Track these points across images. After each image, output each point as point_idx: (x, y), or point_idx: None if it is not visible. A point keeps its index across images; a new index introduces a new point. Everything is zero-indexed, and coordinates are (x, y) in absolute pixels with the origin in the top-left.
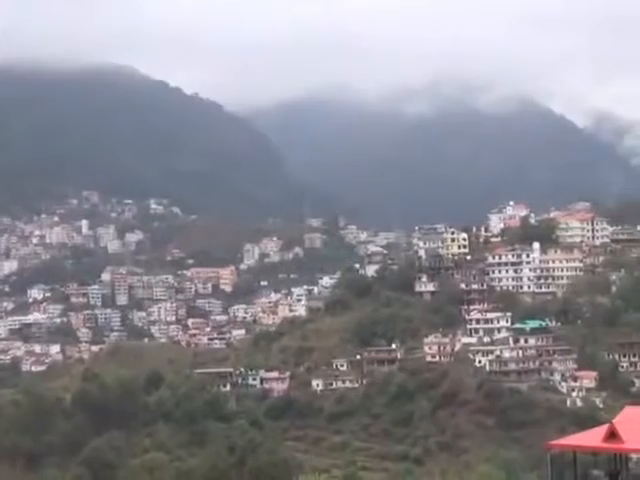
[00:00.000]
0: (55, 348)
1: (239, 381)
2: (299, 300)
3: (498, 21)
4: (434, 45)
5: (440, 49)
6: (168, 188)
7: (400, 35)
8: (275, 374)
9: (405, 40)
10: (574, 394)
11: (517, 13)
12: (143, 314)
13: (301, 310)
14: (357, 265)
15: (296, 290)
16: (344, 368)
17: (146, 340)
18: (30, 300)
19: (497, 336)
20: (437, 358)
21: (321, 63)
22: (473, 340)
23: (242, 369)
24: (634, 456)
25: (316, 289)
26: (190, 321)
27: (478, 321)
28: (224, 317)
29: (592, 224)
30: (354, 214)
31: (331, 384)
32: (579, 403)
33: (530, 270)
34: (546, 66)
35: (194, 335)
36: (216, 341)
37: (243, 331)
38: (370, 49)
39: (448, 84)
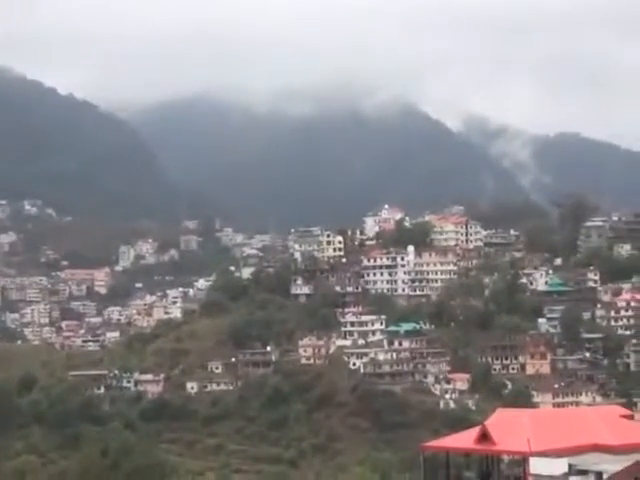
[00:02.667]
0: None
1: (113, 383)
2: (174, 302)
3: (383, 25)
4: (320, 48)
5: (326, 52)
6: (42, 189)
7: (287, 37)
8: (149, 376)
9: (292, 42)
10: (447, 396)
11: (401, 17)
12: (16, 316)
13: (176, 312)
14: (233, 267)
15: (171, 292)
16: (219, 371)
17: (19, 342)
18: None
19: (371, 338)
20: (312, 360)
21: (204, 64)
22: (348, 342)
23: (116, 371)
24: (506, 458)
25: (191, 291)
26: (64, 323)
27: (353, 324)
28: (98, 319)
29: (466, 228)
30: (230, 216)
31: (206, 387)
32: (452, 405)
33: (404, 273)
34: (424, 70)
35: (68, 337)
36: (90, 343)
37: (117, 333)
38: (256, 50)
39: (331, 87)
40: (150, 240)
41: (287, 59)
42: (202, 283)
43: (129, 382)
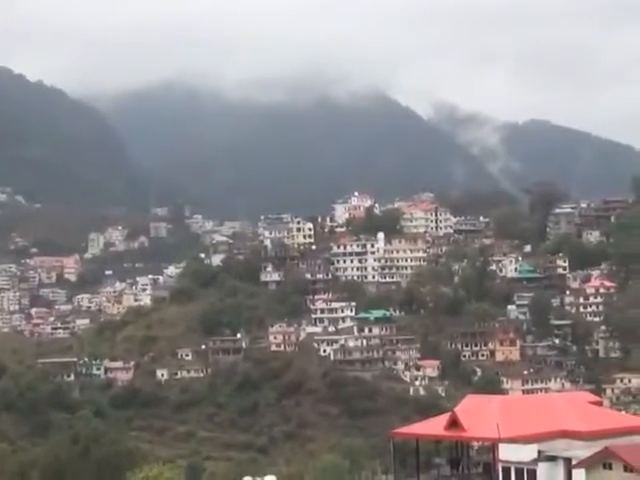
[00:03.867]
0: None
1: (83, 371)
2: (144, 289)
3: (358, 15)
4: (293, 37)
5: (299, 41)
6: (11, 176)
7: (261, 26)
8: (119, 364)
9: (265, 32)
10: (417, 383)
11: (376, 7)
12: None
13: (146, 299)
14: (202, 255)
15: (141, 279)
16: (189, 358)
17: None
18: None
19: (342, 325)
20: (282, 347)
21: (177, 53)
22: (318, 329)
23: (86, 359)
24: (475, 444)
25: (161, 278)
26: (33, 310)
27: (323, 311)
28: (68, 306)
29: (436, 214)
30: (200, 203)
31: (176, 374)
32: (422, 392)
33: (374, 260)
34: (397, 59)
35: (37, 324)
36: (60, 330)
37: (87, 320)
38: (229, 39)
39: (303, 75)
40: (120, 227)
41: (260, 48)
42: (172, 270)
43: (99, 369)
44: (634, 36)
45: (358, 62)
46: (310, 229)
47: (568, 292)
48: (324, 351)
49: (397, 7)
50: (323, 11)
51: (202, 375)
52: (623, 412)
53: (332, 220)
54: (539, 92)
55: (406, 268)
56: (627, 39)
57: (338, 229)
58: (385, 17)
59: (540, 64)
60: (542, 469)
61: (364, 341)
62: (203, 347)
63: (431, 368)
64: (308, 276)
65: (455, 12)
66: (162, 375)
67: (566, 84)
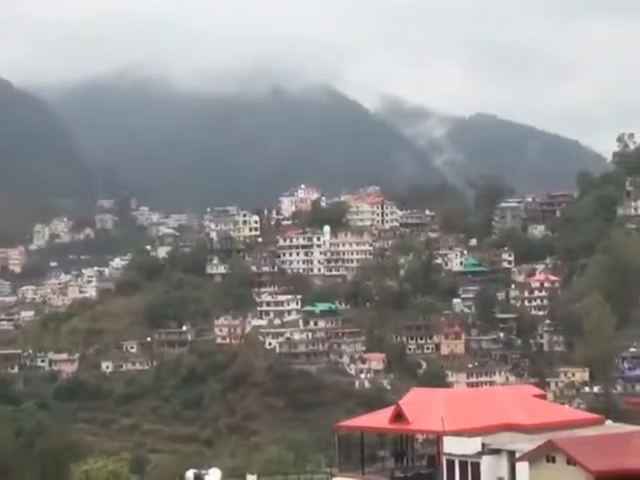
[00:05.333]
0: None
1: (27, 363)
2: (89, 281)
3: (310, 6)
4: (243, 31)
5: (249, 34)
6: None
7: (210, 20)
8: (64, 356)
9: (215, 25)
10: (362, 376)
11: (326, 2)
12: None
13: (91, 292)
14: (148, 247)
15: (86, 271)
16: (134, 350)
17: None
18: None
19: (287, 318)
20: (228, 340)
21: (125, 45)
22: (263, 322)
23: (30, 351)
24: (420, 437)
25: (107, 270)
26: None
27: (269, 303)
28: (12, 298)
29: (382, 208)
30: (146, 195)
31: (121, 366)
32: (367, 385)
33: (320, 253)
34: (346, 53)
35: None
36: (4, 322)
37: (32, 312)
38: (178, 32)
39: (252, 68)
40: (65, 219)
41: (211, 40)
42: (118, 262)
43: (43, 361)
44: (584, 32)
45: (309, 55)
46: (256, 222)
47: (513, 286)
48: (269, 344)
49: (348, 3)
50: (275, 3)
51: (147, 368)
52: (567, 405)
53: (278, 213)
54: (489, 87)
55: (352, 261)
56: (578, 35)
57: (284, 222)
58: (338, 10)
59: (491, 59)
60: (486, 462)
61: (310, 334)
62: (148, 339)
63: (376, 361)
64: (254, 269)
65: (407, 6)
66: (107, 367)
67: (516, 79)
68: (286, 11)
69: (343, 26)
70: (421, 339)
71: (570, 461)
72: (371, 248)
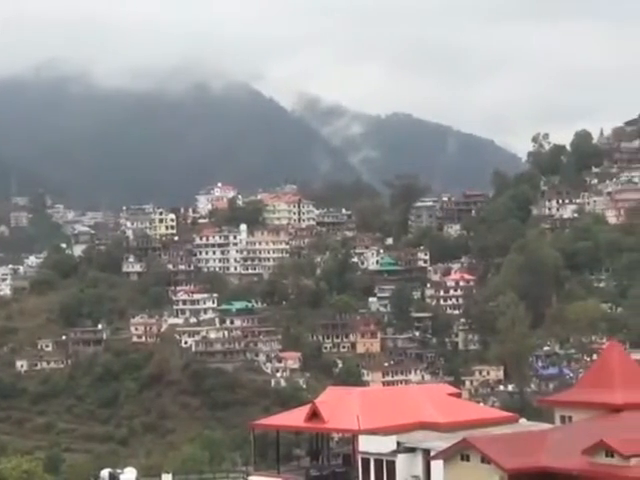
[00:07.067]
0: None
1: None
2: (4, 279)
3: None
4: (168, 26)
5: (174, 30)
6: None
7: (136, 14)
8: None
9: (140, 19)
10: (278, 374)
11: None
12: None
13: (6, 290)
14: (64, 245)
15: (1, 269)
16: (49, 349)
17: None
18: None
19: (203, 317)
20: (143, 339)
21: (44, 40)
22: (179, 321)
23: None
24: (335, 435)
25: (22, 268)
26: None
27: (185, 302)
28: None
29: (298, 207)
30: (62, 193)
31: (36, 365)
32: (283, 383)
33: (237, 252)
34: (266, 50)
35: None
36: None
37: None
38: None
39: (174, 66)
40: None
41: (133, 36)
42: (32, 260)
43: None
44: (507, 34)
45: (233, 53)
46: (172, 220)
47: (429, 285)
48: (185, 342)
49: (274, 2)
50: (198, 3)
51: (62, 366)
52: (481, 404)
53: (195, 211)
54: (410, 87)
55: (268, 260)
56: (501, 37)
57: (201, 220)
58: (262, 7)
59: (415, 60)
60: (401, 460)
61: (226, 332)
62: (63, 338)
63: (292, 360)
64: (170, 267)
65: (337, 5)
66: (21, 366)
67: (439, 80)
68: (210, 9)
69: (270, 25)
70: (337, 338)
71: (484, 459)
72: (287, 247)
